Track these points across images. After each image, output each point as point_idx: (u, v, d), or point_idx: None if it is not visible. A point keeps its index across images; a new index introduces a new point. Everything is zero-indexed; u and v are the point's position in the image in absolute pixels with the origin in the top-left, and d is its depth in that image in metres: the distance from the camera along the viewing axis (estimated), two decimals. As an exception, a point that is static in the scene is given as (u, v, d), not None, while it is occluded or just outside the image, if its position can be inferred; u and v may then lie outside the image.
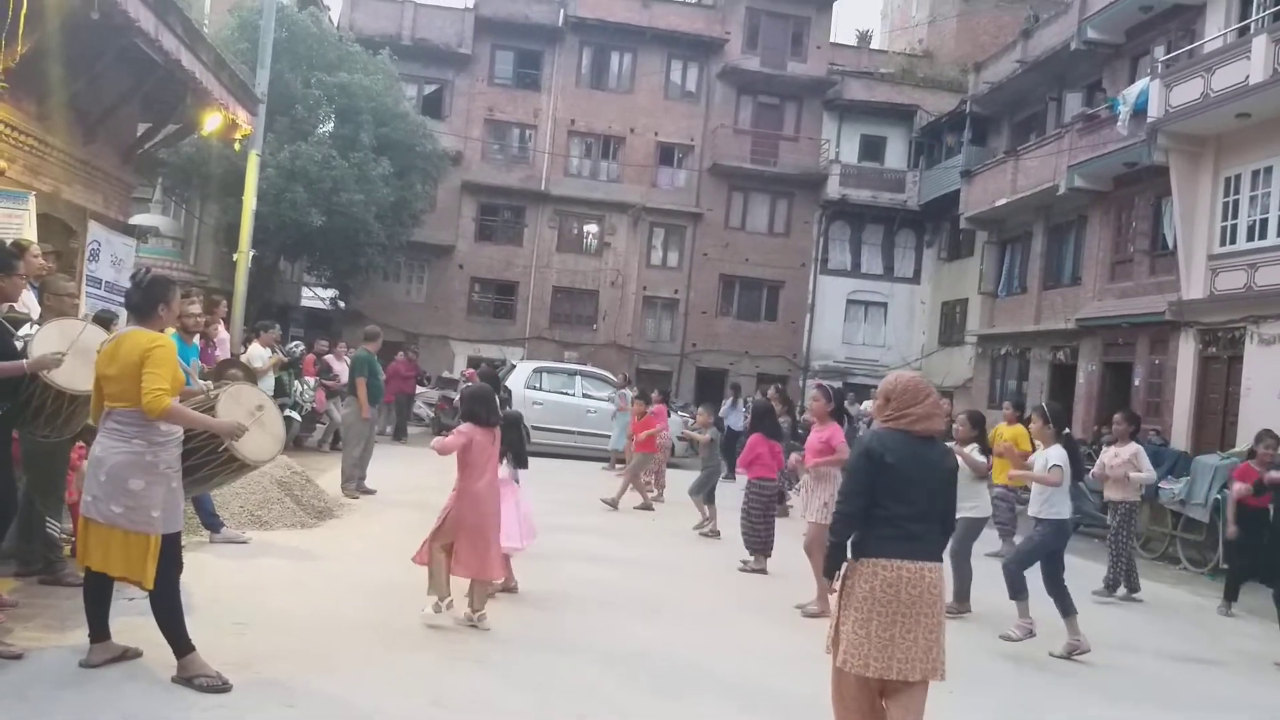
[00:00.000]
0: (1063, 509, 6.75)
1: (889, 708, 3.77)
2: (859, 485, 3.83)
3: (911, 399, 3.88)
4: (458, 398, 6.84)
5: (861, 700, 3.80)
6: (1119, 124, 17.22)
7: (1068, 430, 7.04)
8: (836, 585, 3.93)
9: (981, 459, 7.30)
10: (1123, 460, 8.61)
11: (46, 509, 5.62)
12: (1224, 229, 15.59)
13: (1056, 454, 6.75)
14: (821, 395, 7.63)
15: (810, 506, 7.17)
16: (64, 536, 5.93)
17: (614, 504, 11.40)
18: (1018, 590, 6.64)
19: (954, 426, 7.57)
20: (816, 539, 7.02)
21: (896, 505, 3.75)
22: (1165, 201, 17.16)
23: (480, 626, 5.60)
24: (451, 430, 6.01)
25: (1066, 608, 6.54)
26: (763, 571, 8.20)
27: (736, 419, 17.01)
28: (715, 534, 10.02)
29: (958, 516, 6.48)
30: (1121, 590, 8.83)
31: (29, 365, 4.61)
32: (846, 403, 13.95)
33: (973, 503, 7.11)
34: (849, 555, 3.83)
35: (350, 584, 6.43)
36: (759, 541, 8.31)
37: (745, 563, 8.39)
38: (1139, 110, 16.58)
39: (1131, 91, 17.08)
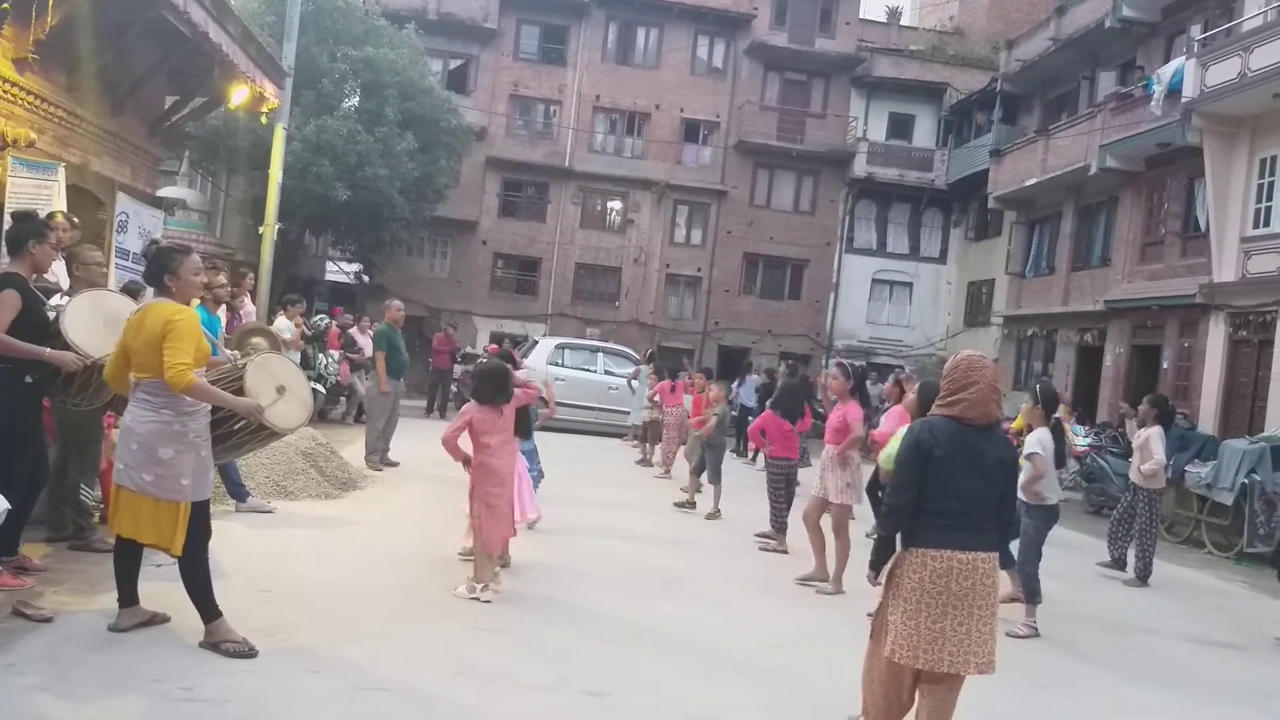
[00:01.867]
0: (1050, 494, 6.67)
1: (922, 694, 3.71)
2: (907, 478, 3.71)
3: (963, 382, 3.72)
4: (473, 373, 6.85)
5: (892, 686, 3.74)
6: (1153, 104, 16.92)
7: (1056, 417, 6.87)
8: (882, 580, 3.86)
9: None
10: (1139, 444, 8.54)
11: (81, 475, 5.71)
12: (1258, 211, 15.32)
13: (1034, 439, 6.61)
14: (841, 373, 7.54)
15: (833, 488, 7.10)
16: (94, 504, 6.03)
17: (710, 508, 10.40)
18: (1033, 592, 6.45)
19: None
20: (841, 521, 7.02)
21: (946, 499, 3.63)
22: (1198, 183, 16.88)
23: (481, 598, 5.59)
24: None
25: (1032, 592, 6.44)
26: (783, 551, 8.19)
27: (748, 395, 17.03)
28: (718, 513, 9.79)
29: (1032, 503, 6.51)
30: (1128, 575, 8.70)
31: (49, 355, 4.67)
32: (869, 382, 13.84)
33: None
34: (898, 545, 3.75)
35: (373, 554, 6.49)
36: (778, 520, 8.31)
37: (762, 538, 8.40)
38: (1174, 90, 16.29)
39: (1166, 71, 16.77)
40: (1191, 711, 5.20)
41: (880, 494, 7.47)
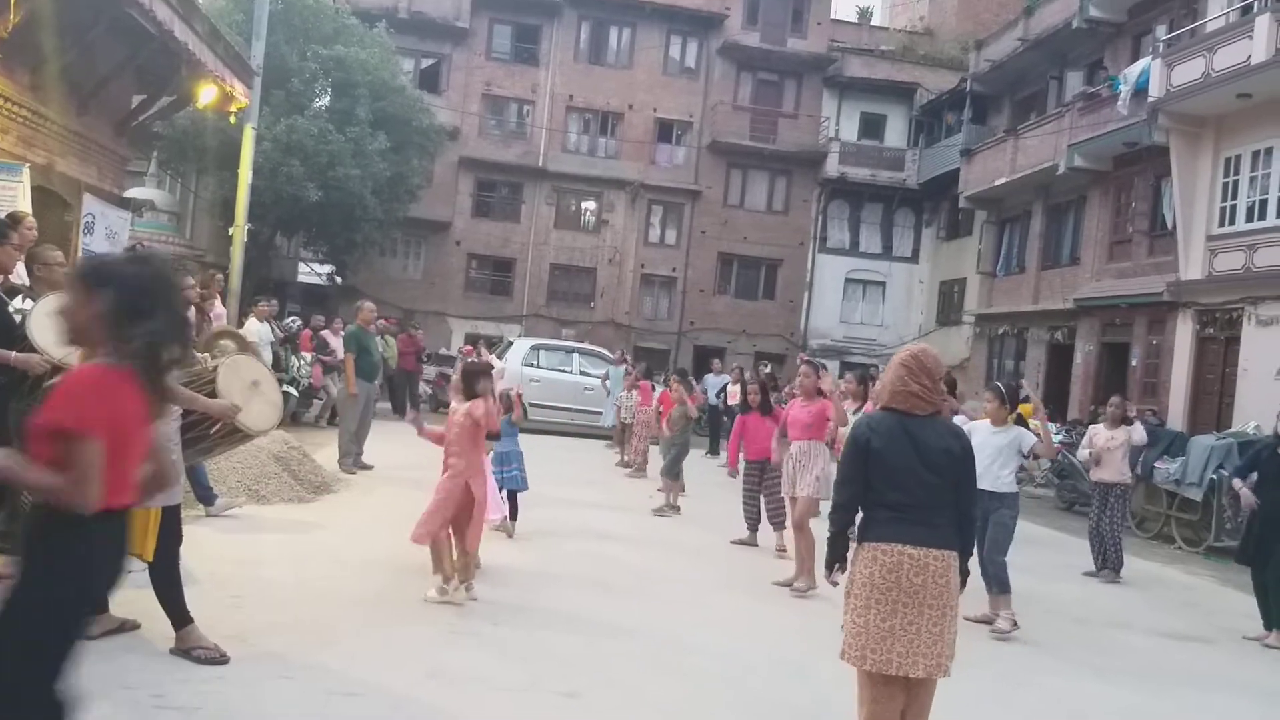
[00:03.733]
0: (1014, 481, 6.72)
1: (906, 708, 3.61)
2: (847, 473, 3.68)
3: (895, 373, 3.67)
4: (454, 374, 6.88)
5: (880, 703, 3.56)
6: (1120, 103, 17.15)
7: (1018, 412, 7.00)
8: (838, 578, 3.80)
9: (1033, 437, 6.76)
10: (1119, 443, 8.58)
11: None
12: (1223, 210, 15.56)
13: (1020, 432, 6.69)
14: (810, 370, 7.59)
15: (800, 481, 7.14)
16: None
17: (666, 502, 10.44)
18: (1004, 584, 6.44)
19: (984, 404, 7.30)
20: (805, 513, 7.05)
21: (890, 490, 3.56)
22: (1165, 182, 17.13)
23: (470, 597, 5.62)
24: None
25: (1003, 584, 6.46)
26: (753, 544, 8.22)
27: (714, 395, 17.12)
28: (675, 509, 9.88)
29: (996, 491, 6.48)
30: (1107, 571, 8.78)
31: (14, 360, 4.59)
32: (847, 381, 13.80)
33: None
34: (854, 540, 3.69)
35: (347, 558, 6.45)
36: (751, 518, 8.35)
37: (740, 544, 8.43)
38: (1140, 89, 16.52)
39: (1133, 70, 17.00)
40: (1162, 705, 5.27)
41: None
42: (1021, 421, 7.23)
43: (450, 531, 5.75)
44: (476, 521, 5.78)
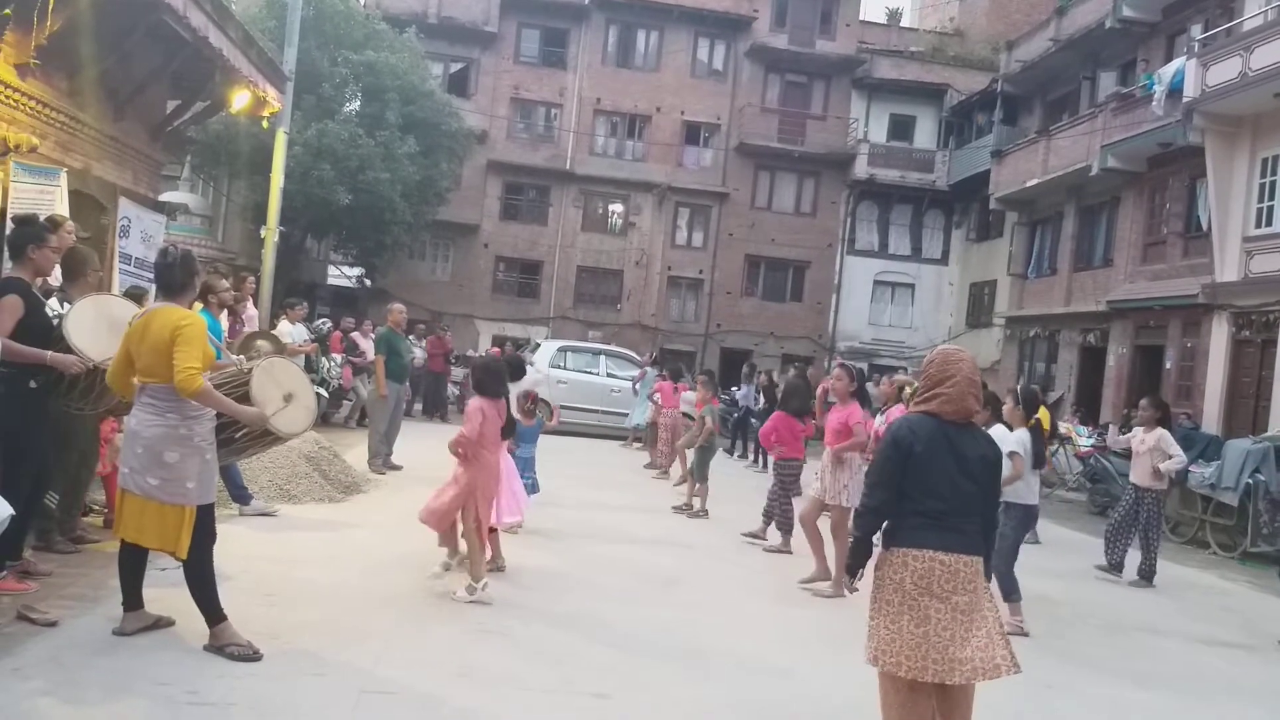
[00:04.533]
0: (1029, 495, 6.68)
1: (939, 714, 3.57)
2: (884, 477, 3.59)
3: (939, 376, 3.61)
4: (474, 367, 6.95)
5: (910, 708, 3.52)
6: (1154, 104, 16.93)
7: (1036, 418, 6.88)
8: (858, 584, 3.77)
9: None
10: (1149, 447, 8.42)
11: (51, 481, 5.62)
12: (1260, 211, 15.31)
13: (1015, 439, 6.57)
14: (845, 374, 7.52)
15: (830, 490, 7.11)
16: (97, 508, 6.05)
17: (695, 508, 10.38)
18: (1010, 591, 6.36)
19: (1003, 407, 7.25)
20: (840, 522, 7.00)
21: (927, 498, 3.51)
22: (1200, 183, 16.88)
23: (483, 599, 5.57)
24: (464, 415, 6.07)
25: (1010, 591, 6.37)
26: (787, 550, 8.19)
27: (748, 398, 17.05)
28: (704, 513, 9.85)
29: (1012, 501, 6.47)
30: (1132, 577, 8.59)
31: (51, 359, 4.67)
32: (869, 384, 13.75)
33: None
34: (879, 545, 3.64)
35: (377, 558, 6.49)
36: (783, 520, 8.31)
37: (754, 536, 8.40)
38: (1174, 90, 16.29)
39: (1167, 70, 16.77)
40: (1199, 712, 5.19)
41: None
42: (1039, 425, 7.11)
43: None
44: (486, 512, 5.85)
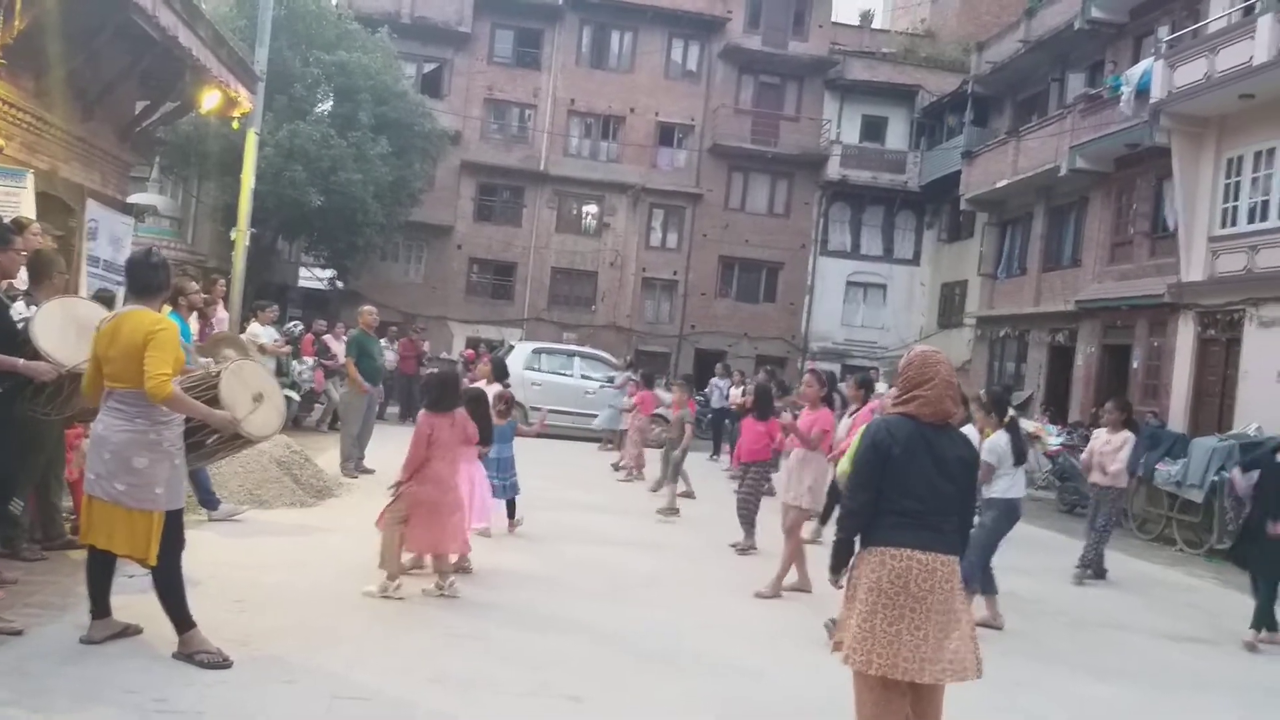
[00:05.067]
0: (1014, 489, 6.74)
1: (911, 710, 3.61)
2: (865, 479, 3.63)
3: (918, 378, 3.65)
4: (423, 382, 6.90)
5: (883, 705, 3.55)
6: (1121, 104, 17.15)
7: (1011, 414, 6.95)
8: (843, 582, 3.79)
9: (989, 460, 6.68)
10: (1114, 448, 8.56)
11: (17, 487, 5.55)
12: (1225, 211, 15.55)
13: (988, 447, 6.64)
14: (814, 380, 7.63)
15: (792, 490, 7.15)
16: (67, 516, 5.98)
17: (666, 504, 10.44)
18: (987, 584, 6.47)
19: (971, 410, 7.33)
20: (795, 522, 7.05)
21: (905, 498, 3.56)
22: (1166, 183, 17.12)
23: (449, 594, 5.66)
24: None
25: (987, 586, 6.49)
26: (753, 548, 8.22)
27: (720, 399, 17.15)
28: (675, 512, 9.92)
29: (993, 496, 6.58)
30: (1079, 570, 8.74)
31: (23, 367, 4.62)
32: (844, 385, 13.79)
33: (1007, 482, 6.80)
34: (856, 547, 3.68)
35: (349, 562, 6.45)
36: (749, 521, 8.36)
37: (738, 544, 8.42)
38: (1142, 91, 16.51)
39: (1135, 72, 17.00)
40: (1163, 706, 5.27)
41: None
42: (1015, 423, 7.19)
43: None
44: (427, 526, 5.78)
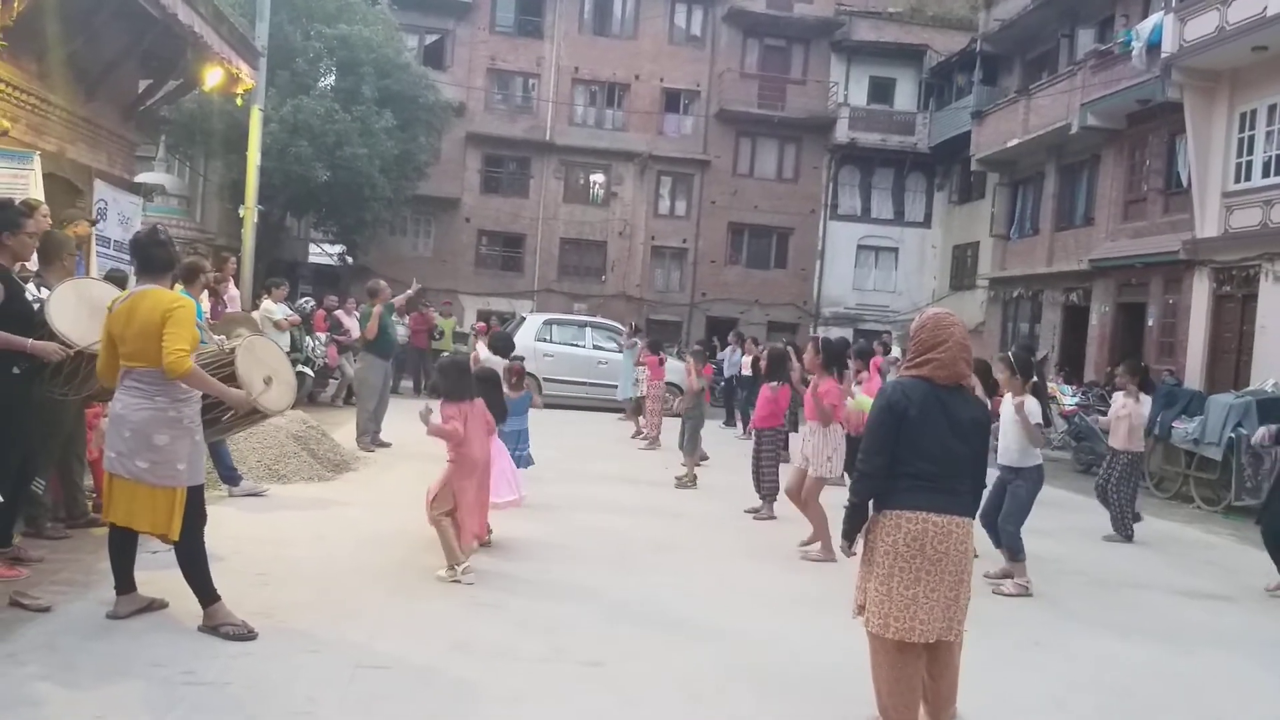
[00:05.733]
0: (1038, 454, 6.75)
1: (927, 671, 3.65)
2: (880, 442, 3.60)
3: (931, 341, 3.63)
4: (435, 370, 6.73)
5: (902, 673, 3.58)
6: (1133, 60, 16.92)
7: (1035, 379, 6.86)
8: (858, 549, 3.81)
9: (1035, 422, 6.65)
10: (1128, 411, 8.52)
11: (37, 467, 5.58)
12: (1239, 166, 15.38)
13: (1033, 406, 6.62)
14: (813, 349, 7.56)
15: (814, 461, 7.14)
16: (89, 494, 6.04)
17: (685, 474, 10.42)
18: (1017, 551, 6.52)
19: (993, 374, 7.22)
20: (813, 491, 7.12)
21: (920, 460, 3.55)
22: (1179, 139, 16.92)
23: (463, 580, 5.54)
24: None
25: (1016, 550, 6.52)
26: (772, 517, 8.25)
27: (733, 366, 17.15)
28: (693, 480, 9.91)
29: (1013, 465, 6.60)
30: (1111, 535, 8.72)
31: (31, 347, 4.64)
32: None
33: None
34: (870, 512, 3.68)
35: (368, 534, 6.51)
36: (767, 487, 8.36)
37: (755, 510, 8.45)
38: (1153, 45, 16.27)
39: (1145, 26, 16.74)
40: (1183, 663, 5.28)
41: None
42: (1041, 386, 7.14)
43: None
44: (473, 514, 5.79)
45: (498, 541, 6.55)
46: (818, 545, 7.07)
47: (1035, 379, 6.88)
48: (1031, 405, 6.63)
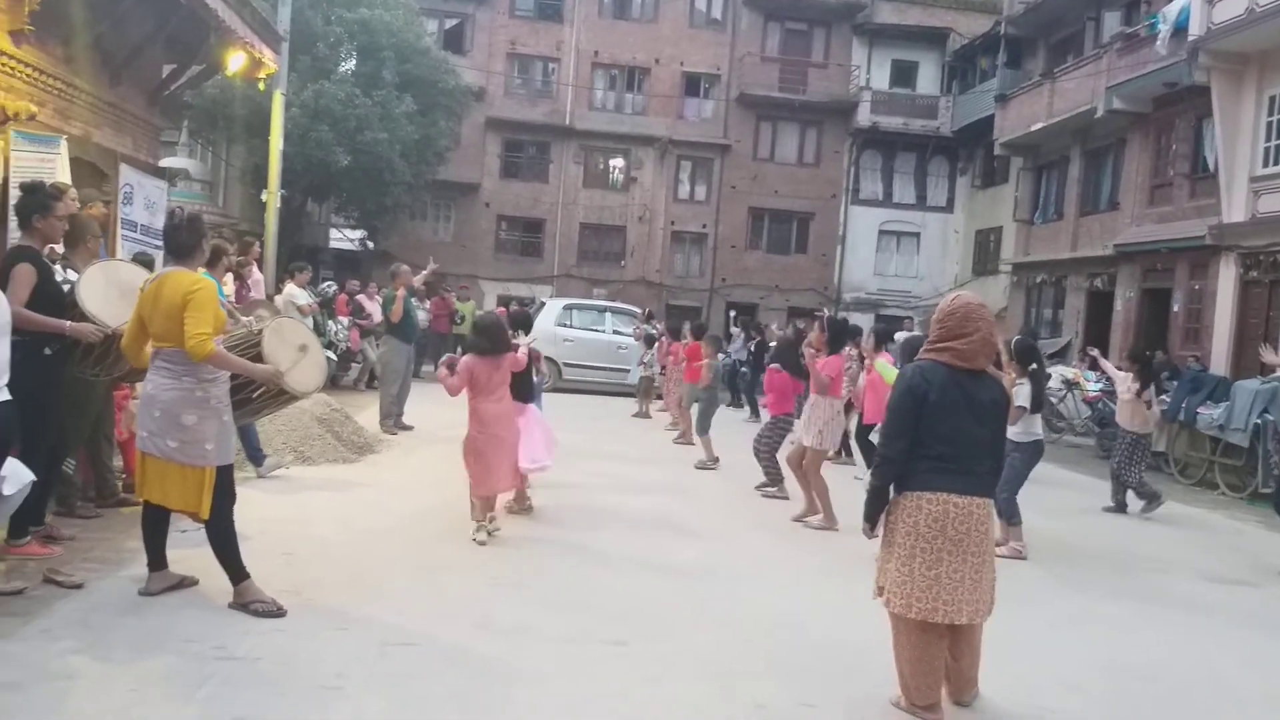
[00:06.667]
0: (1036, 430, 7.13)
1: (950, 656, 3.69)
2: (901, 426, 3.63)
3: (957, 330, 3.64)
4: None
5: (924, 654, 3.61)
6: (1159, 43, 16.69)
7: (1034, 366, 7.21)
8: (879, 532, 3.83)
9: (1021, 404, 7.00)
10: (1132, 395, 8.89)
11: (66, 447, 5.66)
12: (1267, 150, 15.16)
13: (1022, 391, 6.94)
14: (818, 326, 7.83)
15: (809, 433, 7.40)
16: (118, 474, 6.12)
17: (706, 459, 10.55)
18: (1011, 516, 6.90)
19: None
20: (812, 463, 7.37)
21: (939, 443, 3.58)
22: (1206, 122, 16.69)
23: (477, 539, 5.92)
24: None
25: (1013, 517, 6.90)
26: (784, 496, 8.30)
27: (738, 351, 17.20)
28: (714, 463, 10.03)
29: (1013, 439, 6.67)
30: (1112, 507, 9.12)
31: (70, 329, 4.70)
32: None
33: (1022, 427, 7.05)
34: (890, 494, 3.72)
35: (393, 515, 6.57)
36: (775, 471, 8.45)
37: (764, 488, 8.58)
38: (1180, 28, 16.05)
39: (1172, 9, 16.51)
40: (1202, 645, 5.26)
41: (870, 440, 8.00)
42: (1040, 371, 7.44)
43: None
44: (483, 467, 6.07)
45: (517, 520, 6.62)
46: (818, 516, 7.33)
47: (1035, 365, 7.22)
48: (1021, 390, 6.93)
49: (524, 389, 6.84)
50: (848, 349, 9.29)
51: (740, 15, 27.52)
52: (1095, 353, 11.30)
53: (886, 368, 7.43)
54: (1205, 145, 17.02)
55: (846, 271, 27.97)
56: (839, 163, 27.99)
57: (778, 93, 27.24)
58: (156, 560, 4.47)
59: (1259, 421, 10.51)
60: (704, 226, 27.98)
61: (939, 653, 3.67)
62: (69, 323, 4.72)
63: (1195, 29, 15.53)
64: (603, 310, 19.34)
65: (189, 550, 4.75)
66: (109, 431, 6.04)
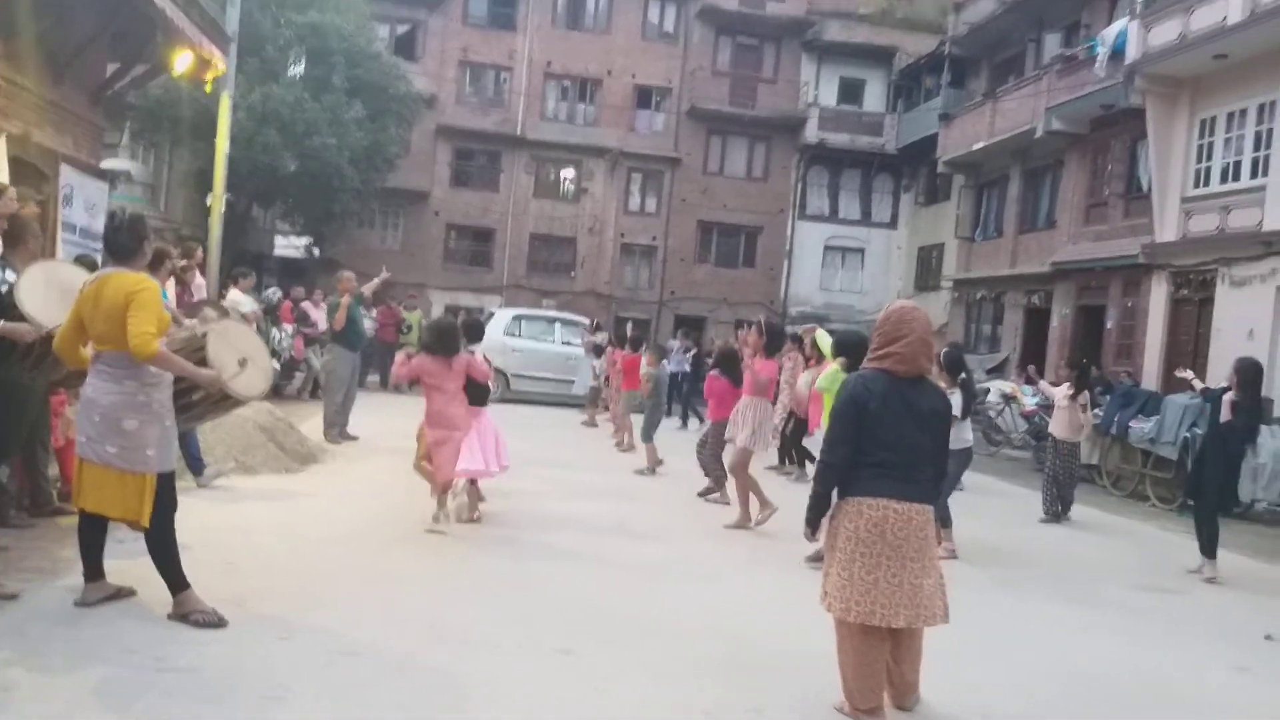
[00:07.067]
0: (967, 437, 7.68)
1: (892, 656, 3.76)
2: (843, 433, 3.71)
3: (894, 334, 3.74)
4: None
5: (866, 657, 3.68)
6: (1097, 65, 17.21)
7: (964, 375, 7.66)
8: (820, 537, 3.91)
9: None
10: (1064, 406, 9.37)
11: (1, 453, 5.51)
12: (1198, 171, 15.71)
13: (954, 402, 7.12)
14: (755, 330, 8.10)
15: (741, 433, 7.64)
16: (54, 483, 5.97)
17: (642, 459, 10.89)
18: (945, 520, 7.13)
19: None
20: (741, 462, 7.59)
21: (881, 450, 3.66)
22: (1141, 144, 17.24)
23: (436, 529, 6.35)
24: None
25: (945, 519, 7.12)
26: (727, 502, 8.40)
27: (677, 362, 17.40)
28: (653, 470, 10.34)
29: (956, 449, 6.87)
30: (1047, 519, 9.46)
31: (3, 329, 4.59)
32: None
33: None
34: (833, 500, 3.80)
35: (338, 525, 6.50)
36: (720, 474, 8.58)
37: (705, 492, 8.77)
38: (1118, 51, 16.57)
39: (1110, 32, 17.04)
40: (1139, 649, 5.42)
41: (804, 445, 8.52)
42: (969, 381, 7.96)
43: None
44: (439, 456, 6.49)
45: (464, 531, 6.59)
46: (753, 514, 7.59)
47: (964, 375, 7.68)
48: (953, 400, 7.07)
49: (479, 395, 6.89)
50: (784, 353, 9.66)
51: (692, 29, 27.75)
52: (1031, 369, 11.76)
53: (824, 336, 7.57)
54: (1140, 166, 17.57)
55: (793, 285, 28.27)
56: (787, 178, 28.32)
57: (728, 107, 27.50)
58: (93, 570, 4.36)
59: (1188, 435, 10.86)
60: (654, 239, 28.10)
61: (880, 657, 3.75)
62: (2, 322, 4.60)
63: (1132, 52, 16.06)
64: (551, 321, 19.33)
65: (126, 561, 4.64)
66: (45, 438, 5.88)
